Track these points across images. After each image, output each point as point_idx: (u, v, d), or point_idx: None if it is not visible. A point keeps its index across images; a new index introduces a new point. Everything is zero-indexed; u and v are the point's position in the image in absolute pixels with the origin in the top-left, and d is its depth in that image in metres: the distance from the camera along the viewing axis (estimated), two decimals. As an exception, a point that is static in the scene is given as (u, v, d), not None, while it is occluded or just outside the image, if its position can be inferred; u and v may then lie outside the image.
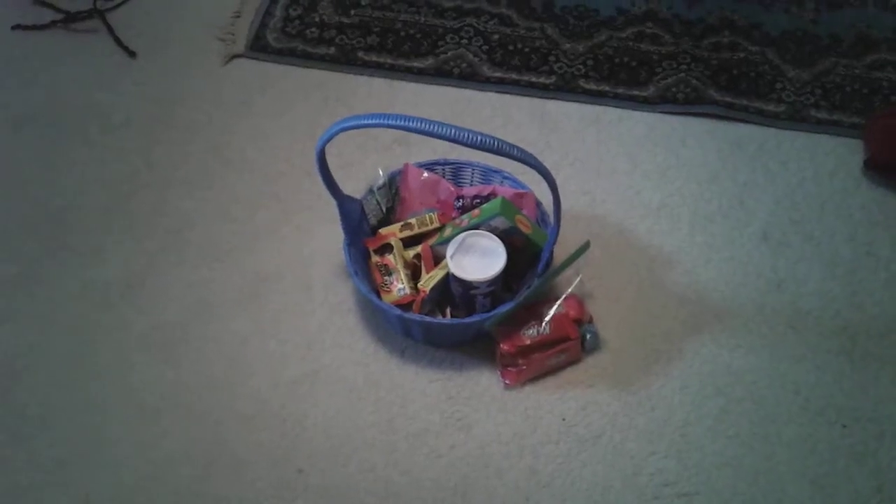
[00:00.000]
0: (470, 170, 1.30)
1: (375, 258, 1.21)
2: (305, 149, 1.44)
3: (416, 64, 1.55)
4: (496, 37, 1.59)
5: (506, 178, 1.28)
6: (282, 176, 1.42)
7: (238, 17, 1.63)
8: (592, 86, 1.52)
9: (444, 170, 1.30)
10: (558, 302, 1.20)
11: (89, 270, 1.31)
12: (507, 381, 1.19)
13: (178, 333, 1.25)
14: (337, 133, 1.01)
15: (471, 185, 1.31)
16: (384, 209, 1.27)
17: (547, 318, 1.18)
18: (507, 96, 1.52)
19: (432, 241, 1.22)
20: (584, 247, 1.21)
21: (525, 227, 1.17)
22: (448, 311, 1.21)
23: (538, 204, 1.26)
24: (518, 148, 0.96)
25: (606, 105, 1.51)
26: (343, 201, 1.17)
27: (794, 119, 1.48)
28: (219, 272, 1.31)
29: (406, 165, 1.28)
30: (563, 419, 1.17)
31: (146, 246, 1.34)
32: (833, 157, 1.44)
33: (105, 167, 1.44)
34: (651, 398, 1.19)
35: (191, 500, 1.11)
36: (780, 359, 1.23)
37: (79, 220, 1.37)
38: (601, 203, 1.39)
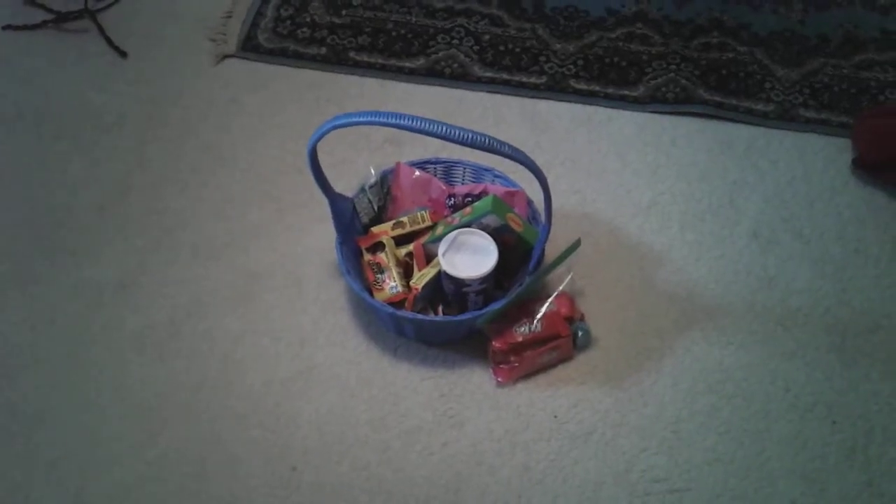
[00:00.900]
0: (461, 168, 1.31)
1: (368, 256, 1.21)
2: (297, 148, 1.45)
3: (408, 64, 1.56)
4: (487, 37, 1.60)
5: (497, 176, 1.29)
6: (274, 175, 1.42)
7: (229, 17, 1.63)
8: (583, 86, 1.53)
9: (435, 168, 1.30)
10: (550, 299, 1.21)
11: (82, 269, 1.31)
12: (499, 379, 1.20)
13: (171, 332, 1.25)
14: (329, 131, 1.02)
15: (462, 183, 1.31)
16: (376, 208, 1.27)
17: (539, 316, 1.19)
18: (498, 96, 1.53)
19: (424, 239, 1.22)
20: (575, 245, 1.21)
21: (516, 225, 1.17)
22: (440, 308, 1.22)
23: (529, 202, 1.26)
24: (508, 145, 0.97)
25: (597, 105, 1.52)
26: (335, 200, 1.18)
27: (783, 118, 1.49)
28: (212, 271, 1.31)
29: (398, 164, 1.28)
30: (555, 416, 1.18)
31: (139, 245, 1.34)
32: (822, 156, 1.45)
33: (97, 167, 1.44)
34: (642, 395, 1.20)
35: (185, 498, 1.11)
36: (770, 356, 1.24)
37: (72, 220, 1.37)
38: (592, 202, 1.40)
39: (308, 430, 1.17)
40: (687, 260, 1.33)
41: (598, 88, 1.53)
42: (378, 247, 1.21)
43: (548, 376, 1.21)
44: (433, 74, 1.54)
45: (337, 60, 1.56)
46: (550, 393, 1.20)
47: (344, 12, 1.63)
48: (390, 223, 1.24)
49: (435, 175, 1.30)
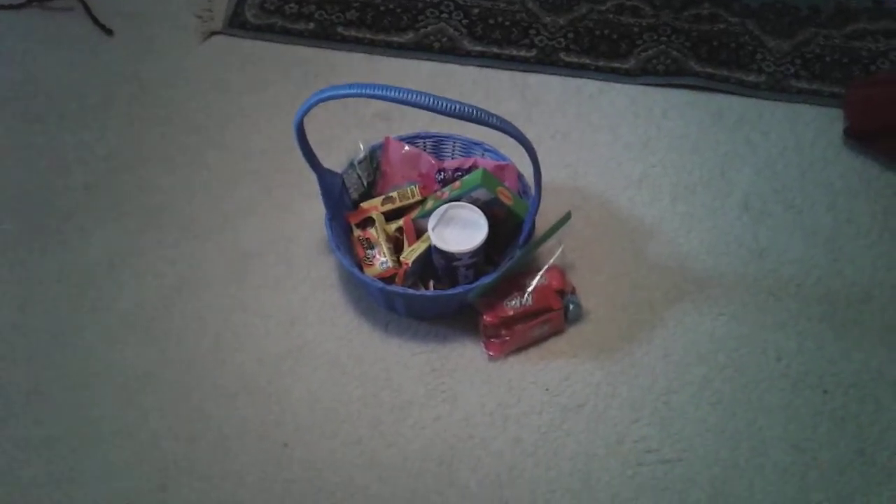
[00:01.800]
0: (451, 143, 1.30)
1: (357, 232, 1.21)
2: (285, 125, 1.42)
3: (396, 38, 1.54)
4: (476, 10, 1.58)
5: (487, 150, 1.28)
6: (262, 153, 1.41)
7: (216, -7, 1.62)
8: (573, 59, 1.52)
9: (425, 143, 1.30)
10: (541, 273, 1.20)
11: (71, 250, 1.31)
12: (490, 353, 1.20)
13: (161, 311, 1.25)
14: (315, 104, 1.01)
15: (452, 157, 1.30)
16: (365, 183, 1.26)
17: (529, 290, 1.19)
18: (488, 70, 1.52)
19: (414, 214, 1.22)
20: (566, 217, 1.21)
21: (506, 199, 1.17)
22: (431, 283, 1.21)
23: (520, 176, 1.26)
24: (496, 116, 0.96)
25: (587, 78, 1.50)
26: (323, 175, 1.17)
27: (775, 89, 1.48)
28: (201, 250, 1.31)
29: (387, 139, 1.27)
30: (547, 389, 1.18)
31: (127, 225, 1.33)
32: (813, 126, 1.44)
33: (84, 147, 1.42)
34: (634, 367, 1.20)
35: (176, 475, 1.11)
36: (762, 326, 1.24)
37: (60, 201, 1.36)
38: (583, 175, 1.39)
39: (299, 406, 1.17)
40: (678, 232, 1.33)
41: (588, 61, 1.52)
42: (368, 222, 1.20)
43: (539, 350, 1.21)
44: (422, 49, 1.53)
45: (325, 36, 1.55)
46: (542, 366, 1.20)
47: (331, -13, 1.62)
48: (380, 198, 1.23)
49: (424, 149, 1.29)
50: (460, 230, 1.14)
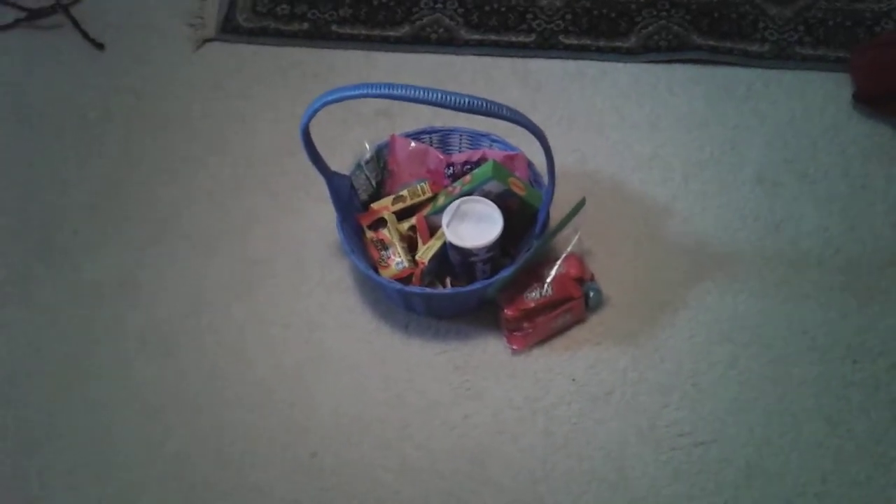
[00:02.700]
0: (457, 136, 1.28)
1: (370, 234, 1.19)
2: (286, 128, 1.41)
3: (392, 33, 1.52)
4: (471, -2, 1.56)
5: (494, 141, 1.26)
6: (265, 158, 1.39)
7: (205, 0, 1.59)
8: (573, 41, 1.50)
9: (431, 138, 1.27)
10: (558, 262, 1.18)
11: (80, 270, 1.29)
12: (514, 347, 1.18)
13: (175, 327, 1.23)
14: (321, 107, 0.99)
15: (459, 151, 1.28)
16: (374, 183, 1.24)
17: (549, 280, 1.17)
18: (488, 58, 1.49)
19: (426, 211, 1.20)
20: (580, 204, 1.19)
21: (519, 189, 1.15)
22: (447, 280, 1.20)
23: (529, 164, 1.24)
24: (508, 107, 0.94)
25: (589, 59, 1.48)
26: (332, 179, 1.15)
27: (780, 57, 1.46)
28: (211, 261, 1.29)
29: (392, 137, 1.25)
30: (573, 379, 1.17)
31: (135, 241, 1.31)
32: (821, 92, 1.42)
33: (85, 164, 1.40)
34: (659, 350, 1.18)
35: (204, 493, 1.10)
36: (784, 300, 1.22)
37: (64, 220, 1.34)
38: (592, 159, 1.37)
39: (324, 414, 1.15)
40: (692, 210, 1.31)
41: (589, 42, 1.49)
42: (380, 223, 1.19)
43: (562, 340, 1.20)
44: (419, 41, 1.50)
45: (319, 35, 1.52)
46: (567, 356, 1.18)
47: (322, -15, 1.59)
48: (390, 198, 1.21)
49: (431, 145, 1.27)
50: (475, 225, 1.13)
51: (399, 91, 0.92)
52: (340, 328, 1.22)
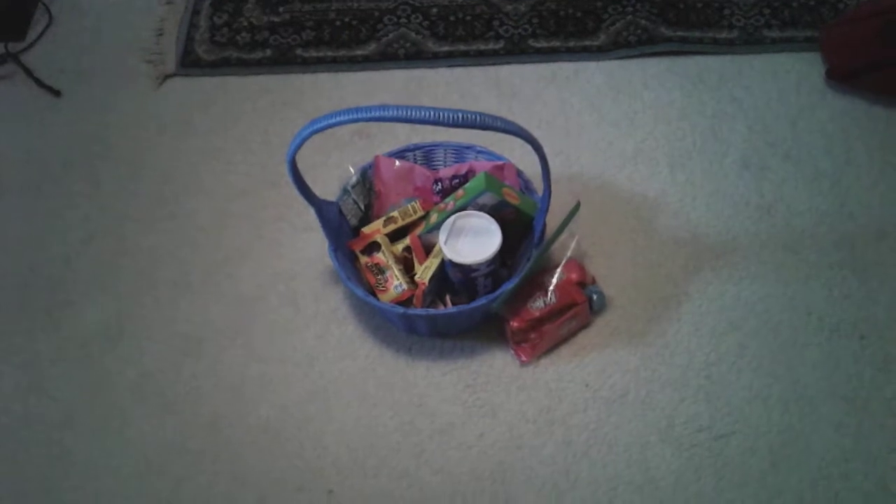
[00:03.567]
0: (442, 151, 1.25)
1: (364, 259, 1.15)
2: (261, 160, 1.37)
3: (359, 52, 1.49)
4: (435, 10, 1.54)
5: (479, 152, 1.23)
6: (243, 192, 1.35)
7: (161, 34, 1.54)
8: (543, 43, 1.48)
9: (415, 155, 1.25)
10: (559, 269, 1.16)
11: (63, 328, 1.23)
12: (522, 358, 1.16)
13: (171, 376, 1.18)
14: (308, 137, 0.95)
15: (445, 165, 1.26)
16: (362, 207, 1.21)
17: (551, 287, 1.15)
18: (459, 69, 1.47)
19: (419, 230, 1.17)
20: (576, 208, 1.17)
21: (513, 199, 1.12)
22: (448, 298, 1.17)
23: (519, 172, 1.21)
24: (501, 119, 0.92)
25: (561, 61, 1.47)
26: (320, 207, 1.11)
27: (749, 42, 1.46)
28: (199, 304, 1.24)
29: (377, 157, 1.22)
30: (586, 385, 1.15)
31: (116, 292, 1.26)
32: (794, 73, 1.43)
33: (55, 217, 1.34)
34: (668, 346, 1.17)
35: (223, 545, 1.05)
36: (785, 283, 1.22)
37: (40, 278, 1.28)
38: (576, 161, 1.35)
39: (336, 448, 1.12)
40: (683, 202, 1.30)
41: (558, 44, 1.48)
42: (373, 247, 1.15)
43: (569, 347, 1.18)
44: (387, 58, 1.48)
45: (284, 61, 1.49)
46: (576, 363, 1.16)
47: (281, 9, 1.55)
48: (381, 220, 1.18)
49: (416, 162, 1.24)
50: (473, 239, 1.10)
51: (391, 112, 0.88)
52: (342, 359, 1.18)
